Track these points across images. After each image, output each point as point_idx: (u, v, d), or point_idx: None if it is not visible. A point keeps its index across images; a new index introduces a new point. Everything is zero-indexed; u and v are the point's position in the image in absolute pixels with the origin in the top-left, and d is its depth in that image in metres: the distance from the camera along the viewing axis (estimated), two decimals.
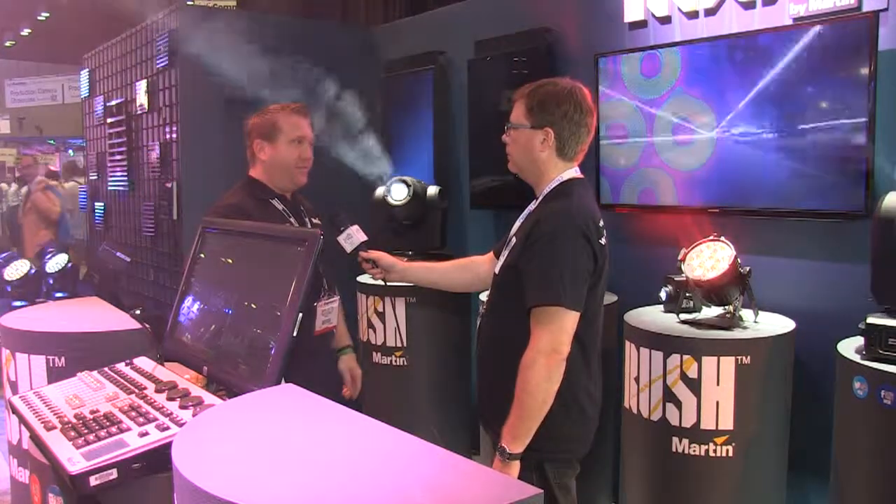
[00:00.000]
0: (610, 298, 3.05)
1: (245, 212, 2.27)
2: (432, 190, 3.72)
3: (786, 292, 2.74)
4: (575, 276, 1.85)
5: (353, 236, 2.29)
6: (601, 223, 1.96)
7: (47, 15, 14.79)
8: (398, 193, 3.60)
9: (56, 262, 4.51)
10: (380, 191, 3.78)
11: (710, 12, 2.90)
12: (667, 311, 2.75)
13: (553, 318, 1.83)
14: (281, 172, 2.39)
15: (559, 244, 1.84)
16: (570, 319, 1.84)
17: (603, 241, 1.94)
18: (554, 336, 1.82)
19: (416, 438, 1.16)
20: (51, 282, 4.43)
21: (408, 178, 3.68)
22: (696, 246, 2.60)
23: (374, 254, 2.34)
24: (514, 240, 2.01)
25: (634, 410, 2.63)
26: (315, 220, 2.52)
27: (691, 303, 2.68)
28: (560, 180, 1.99)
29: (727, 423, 2.42)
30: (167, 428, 1.39)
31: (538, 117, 1.96)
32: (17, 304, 4.39)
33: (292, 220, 2.40)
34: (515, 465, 1.84)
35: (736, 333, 2.49)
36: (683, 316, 2.66)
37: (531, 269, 1.88)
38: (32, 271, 4.61)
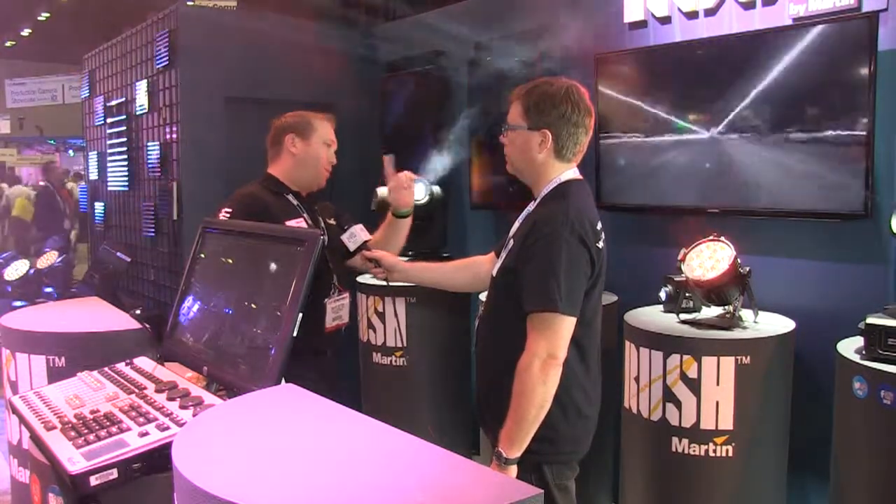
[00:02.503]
0: (610, 298, 3.05)
1: (262, 202, 2.35)
2: (436, 189, 3.71)
3: (786, 292, 2.74)
4: (571, 281, 1.82)
5: (356, 235, 2.31)
6: (599, 226, 1.94)
7: (47, 15, 14.79)
8: (418, 193, 3.60)
9: (46, 259, 4.51)
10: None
11: (710, 12, 2.90)
12: (667, 311, 2.75)
13: (549, 323, 1.81)
14: (310, 169, 2.48)
15: (556, 248, 1.82)
16: (566, 325, 1.82)
17: (601, 244, 1.92)
18: (550, 342, 1.80)
19: (416, 438, 1.16)
20: (43, 278, 4.44)
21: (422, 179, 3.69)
22: (696, 246, 2.60)
23: (377, 253, 2.35)
24: (511, 242, 1.99)
25: (634, 410, 2.63)
26: (330, 221, 2.56)
27: (691, 303, 2.69)
28: (558, 181, 1.97)
29: (727, 423, 2.42)
30: (167, 428, 1.39)
31: (535, 119, 1.94)
32: (18, 303, 4.39)
33: (306, 216, 2.45)
34: (513, 470, 1.83)
35: (736, 333, 2.49)
36: (683, 316, 2.66)
37: (528, 274, 1.86)
38: (31, 271, 4.60)
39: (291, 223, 2.35)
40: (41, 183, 9.35)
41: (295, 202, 2.46)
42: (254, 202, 2.33)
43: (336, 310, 2.43)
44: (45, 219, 8.86)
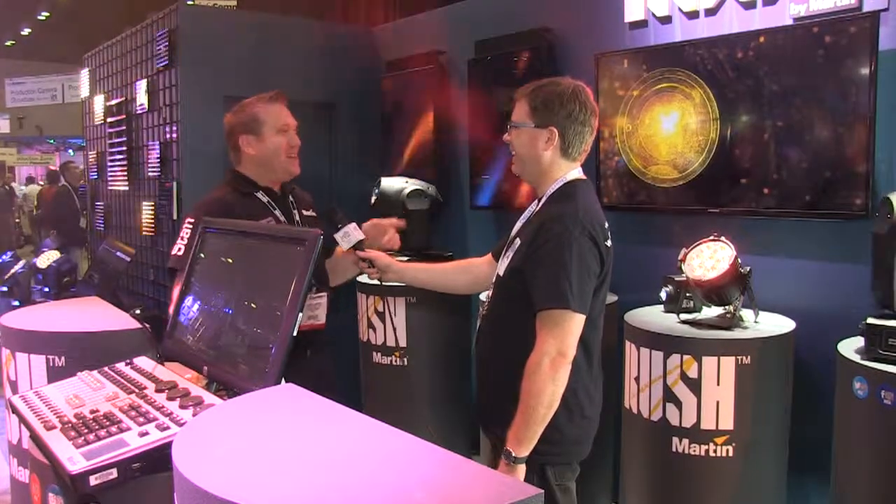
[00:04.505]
0: (610, 298, 3.02)
1: (227, 205, 2.26)
2: (408, 191, 3.72)
3: (786, 292, 2.74)
4: (582, 279, 1.83)
5: (350, 234, 2.28)
6: (606, 225, 1.95)
7: (48, 14, 14.80)
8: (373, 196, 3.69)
9: (46, 258, 4.50)
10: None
11: (711, 12, 2.90)
12: (667, 311, 2.75)
13: (560, 321, 1.82)
14: (272, 164, 2.37)
15: (566, 247, 1.83)
16: (576, 323, 1.83)
17: (608, 243, 1.93)
18: (560, 339, 1.81)
19: (416, 438, 1.16)
20: (40, 277, 4.42)
21: (385, 180, 3.71)
22: (696, 246, 2.59)
23: (372, 253, 2.33)
24: (517, 241, 1.99)
25: (634, 410, 2.63)
26: (307, 213, 2.49)
27: (691, 303, 2.68)
28: (564, 181, 1.97)
29: (727, 423, 2.42)
30: (167, 428, 1.39)
31: (542, 117, 1.95)
32: (16, 303, 4.38)
33: (277, 212, 2.37)
34: (521, 469, 1.83)
35: (736, 333, 2.49)
36: (684, 316, 2.66)
37: (538, 272, 1.86)
38: (20, 270, 4.59)
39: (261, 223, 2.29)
40: (61, 183, 9.56)
41: (265, 199, 2.36)
42: (217, 208, 2.22)
43: (311, 308, 2.36)
44: (62, 219, 9.01)
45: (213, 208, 2.21)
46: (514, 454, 1.82)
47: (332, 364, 2.56)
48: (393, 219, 2.52)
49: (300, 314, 1.50)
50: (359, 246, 2.29)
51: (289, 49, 4.26)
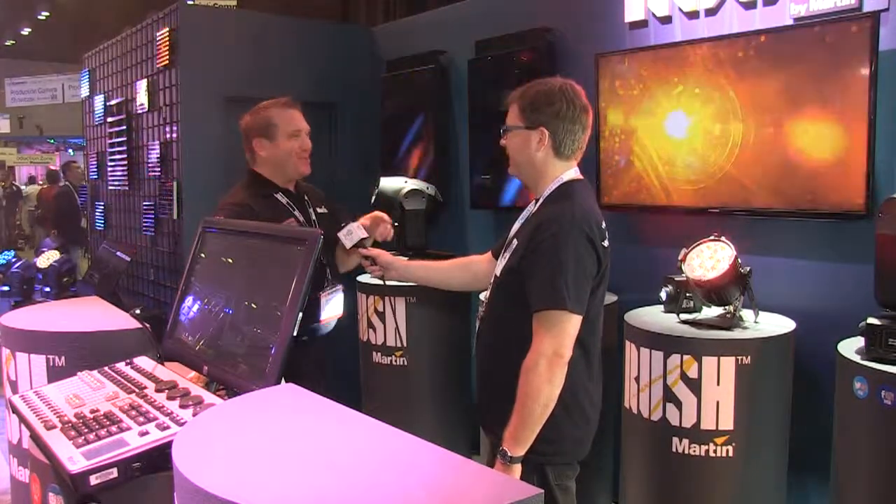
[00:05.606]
0: (610, 298, 3.04)
1: (249, 208, 2.34)
2: (405, 191, 3.72)
3: (786, 292, 2.74)
4: (579, 279, 1.84)
5: (353, 232, 2.29)
6: (603, 225, 1.95)
7: (48, 15, 14.80)
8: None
9: (46, 258, 4.49)
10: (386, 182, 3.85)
11: (711, 12, 2.90)
12: (667, 311, 2.75)
13: (556, 321, 1.82)
14: (284, 165, 2.46)
15: (563, 247, 1.83)
16: (573, 323, 1.83)
17: (605, 243, 1.93)
18: (557, 340, 1.81)
19: (416, 438, 1.16)
20: (40, 276, 4.42)
21: (384, 179, 3.73)
22: (696, 246, 2.59)
23: (374, 251, 2.34)
24: (515, 242, 1.99)
25: (634, 410, 2.63)
26: (320, 210, 2.55)
27: (691, 303, 2.68)
28: (560, 181, 1.98)
29: (727, 423, 2.42)
30: (167, 427, 1.39)
31: (531, 117, 1.96)
32: (13, 302, 4.38)
33: (297, 213, 2.44)
34: (517, 469, 1.83)
35: (736, 333, 2.49)
36: (684, 316, 2.66)
37: (535, 273, 1.87)
38: (15, 268, 4.58)
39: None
40: (61, 183, 9.66)
41: (284, 200, 2.45)
42: (242, 211, 2.32)
43: (330, 302, 2.43)
44: (64, 218, 9.06)
45: (236, 212, 2.31)
46: (509, 454, 1.83)
47: (327, 353, 2.62)
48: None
49: (300, 314, 1.50)
50: (361, 244, 2.30)
51: (289, 49, 4.26)
